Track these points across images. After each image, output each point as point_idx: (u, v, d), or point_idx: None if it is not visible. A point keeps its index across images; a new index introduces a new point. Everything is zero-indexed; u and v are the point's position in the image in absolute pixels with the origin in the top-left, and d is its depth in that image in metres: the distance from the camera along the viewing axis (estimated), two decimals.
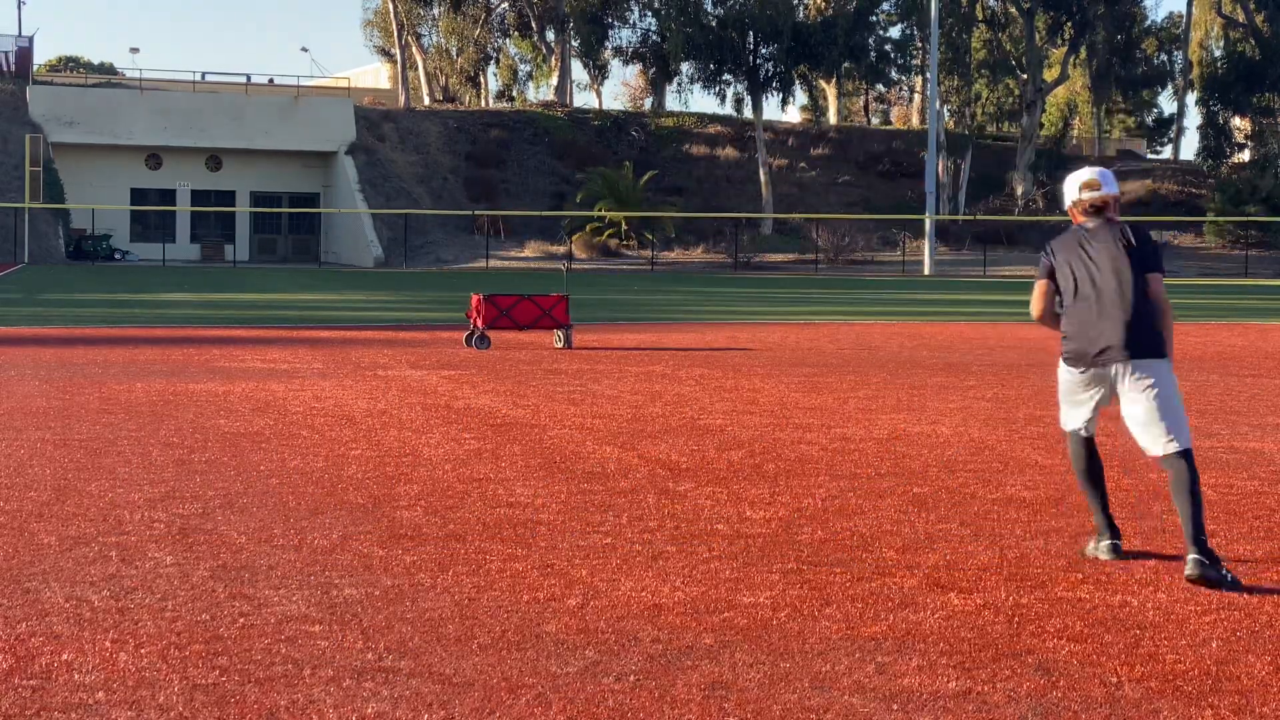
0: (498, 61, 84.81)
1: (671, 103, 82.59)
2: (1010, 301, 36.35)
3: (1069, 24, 74.90)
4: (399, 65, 77.71)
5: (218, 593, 5.85)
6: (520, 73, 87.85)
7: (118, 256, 61.44)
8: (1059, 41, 77.17)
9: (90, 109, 63.83)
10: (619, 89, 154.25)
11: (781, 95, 73.70)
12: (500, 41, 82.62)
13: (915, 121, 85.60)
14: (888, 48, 76.08)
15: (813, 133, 79.37)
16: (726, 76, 71.52)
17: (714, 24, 70.11)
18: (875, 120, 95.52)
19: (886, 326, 25.10)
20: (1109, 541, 6.72)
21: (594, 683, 4.75)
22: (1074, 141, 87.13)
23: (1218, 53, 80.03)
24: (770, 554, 6.69)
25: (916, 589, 6.06)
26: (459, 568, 6.34)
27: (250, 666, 4.87)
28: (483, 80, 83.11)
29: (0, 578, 6.06)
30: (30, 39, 68.13)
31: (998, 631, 5.43)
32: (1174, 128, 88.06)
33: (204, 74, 72.53)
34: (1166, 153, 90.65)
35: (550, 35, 79.39)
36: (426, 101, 79.24)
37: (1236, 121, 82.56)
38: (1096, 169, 7.06)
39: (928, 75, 67.98)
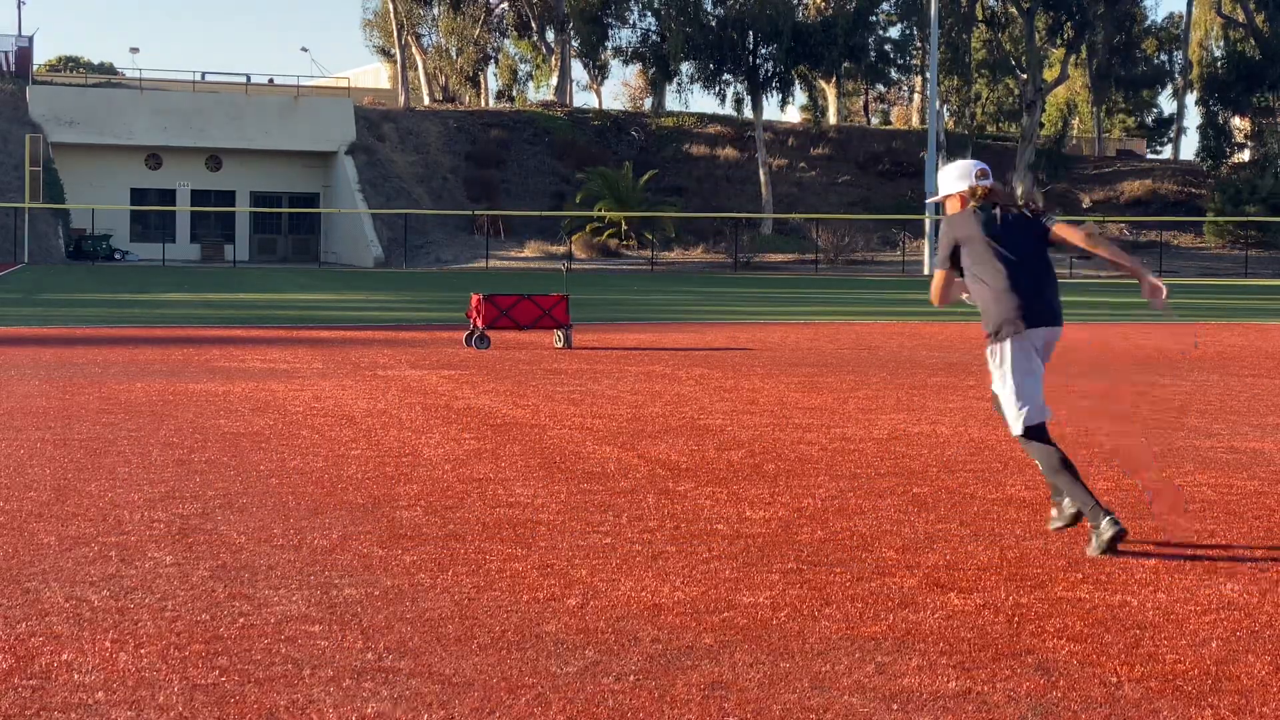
0: (497, 61, 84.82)
1: (671, 103, 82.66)
2: None
3: (1069, 24, 74.91)
4: (399, 65, 77.73)
5: (218, 593, 5.85)
6: (520, 73, 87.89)
7: (118, 256, 61.44)
8: (1059, 41, 77.17)
9: (90, 109, 63.84)
10: (619, 89, 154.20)
11: (781, 95, 73.72)
12: (500, 41, 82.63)
13: (915, 121, 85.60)
14: (887, 48, 76.07)
15: (812, 133, 79.38)
16: (726, 76, 71.53)
17: (714, 24, 70.11)
18: (875, 120, 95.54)
19: (886, 326, 25.10)
20: (1107, 518, 6.73)
21: (594, 683, 4.75)
22: (1074, 141, 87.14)
23: (1218, 53, 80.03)
24: (770, 554, 6.69)
25: (916, 589, 6.06)
26: (459, 568, 6.35)
27: (250, 666, 4.87)
28: (483, 80, 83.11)
29: (0, 578, 6.06)
30: (30, 39, 68.15)
31: (998, 631, 5.43)
32: (1174, 128, 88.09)
33: (204, 74, 72.61)
34: (1166, 153, 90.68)
35: (550, 35, 79.41)
36: (426, 101, 79.24)
37: (1236, 121, 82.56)
38: (973, 160, 7.52)
39: (927, 75, 67.97)
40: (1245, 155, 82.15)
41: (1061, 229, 7.24)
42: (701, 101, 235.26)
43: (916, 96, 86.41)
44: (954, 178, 7.44)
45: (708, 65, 70.60)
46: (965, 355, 18.62)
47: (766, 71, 70.36)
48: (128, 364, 15.81)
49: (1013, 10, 75.60)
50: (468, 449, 9.87)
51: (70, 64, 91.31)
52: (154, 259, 60.39)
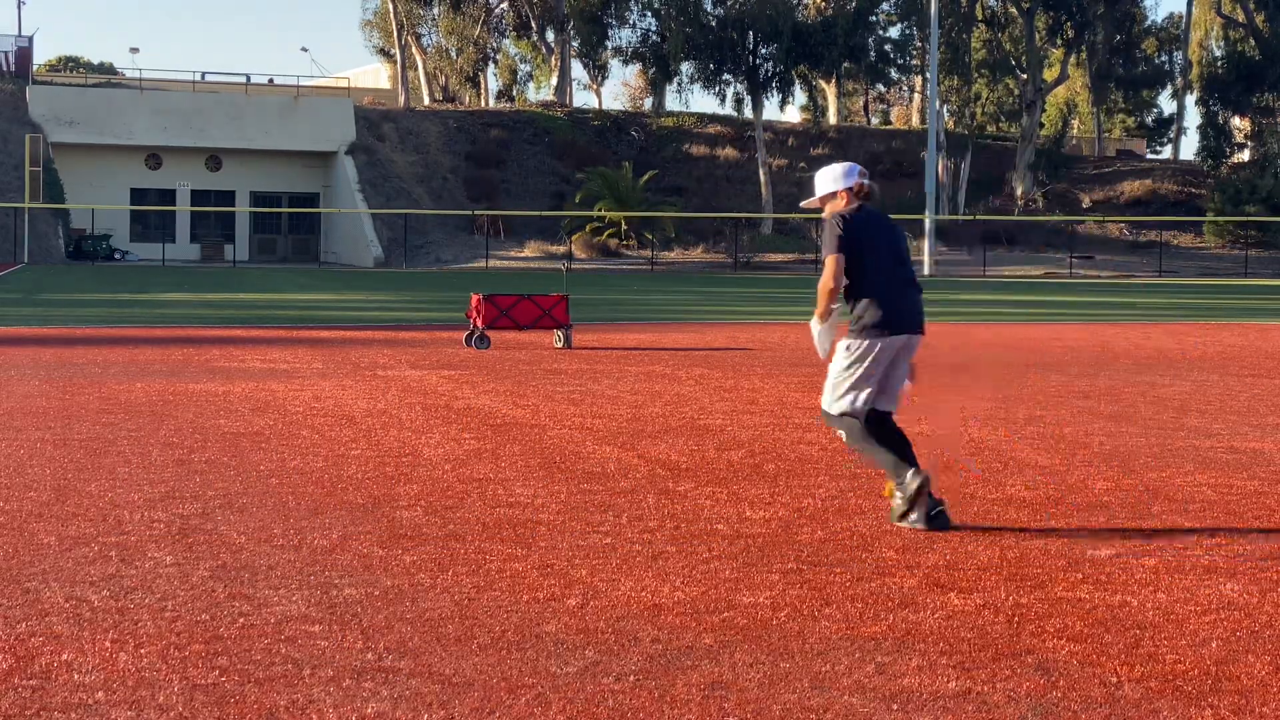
0: (497, 61, 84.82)
1: (671, 103, 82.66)
2: (1010, 301, 36.35)
3: (1069, 24, 74.93)
4: (399, 65, 77.74)
5: (218, 593, 5.85)
6: (520, 73, 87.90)
7: (118, 256, 61.46)
8: (1059, 41, 77.19)
9: (90, 109, 63.85)
10: (619, 89, 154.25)
11: (781, 95, 73.74)
12: (500, 41, 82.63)
13: (915, 121, 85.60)
14: (887, 48, 76.09)
15: (812, 133, 79.39)
16: (726, 76, 71.55)
17: (714, 24, 70.13)
18: (875, 120, 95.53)
19: None
20: (919, 481, 7.18)
21: (594, 683, 4.75)
22: (1074, 141, 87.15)
23: (1218, 53, 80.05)
24: (770, 554, 6.69)
25: (916, 589, 6.06)
26: (459, 568, 6.35)
27: (250, 666, 4.87)
28: (483, 80, 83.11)
29: (0, 578, 6.06)
30: (30, 39, 68.18)
31: (998, 631, 5.43)
32: (1174, 128, 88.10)
33: (204, 74, 72.66)
34: (1166, 153, 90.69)
35: (550, 35, 79.41)
36: (426, 101, 79.25)
37: (1236, 121, 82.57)
38: (850, 163, 7.92)
39: (928, 75, 67.96)
40: (1245, 155, 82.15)
41: None
42: (701, 101, 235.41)
43: (916, 96, 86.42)
44: (839, 175, 7.82)
45: (708, 65, 70.61)
46: (965, 355, 18.63)
47: (766, 71, 70.37)
48: (128, 364, 15.81)
49: (1013, 10, 75.60)
50: (468, 449, 9.87)
51: (70, 64, 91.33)
52: (154, 259, 60.41)
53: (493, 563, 6.45)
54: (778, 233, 69.14)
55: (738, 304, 33.47)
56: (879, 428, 7.43)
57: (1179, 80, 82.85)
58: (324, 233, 67.50)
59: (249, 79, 72.44)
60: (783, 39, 67.98)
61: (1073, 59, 78.76)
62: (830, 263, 7.55)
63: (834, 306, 7.53)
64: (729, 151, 75.20)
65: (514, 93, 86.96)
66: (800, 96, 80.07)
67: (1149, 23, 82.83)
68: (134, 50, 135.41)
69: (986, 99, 79.66)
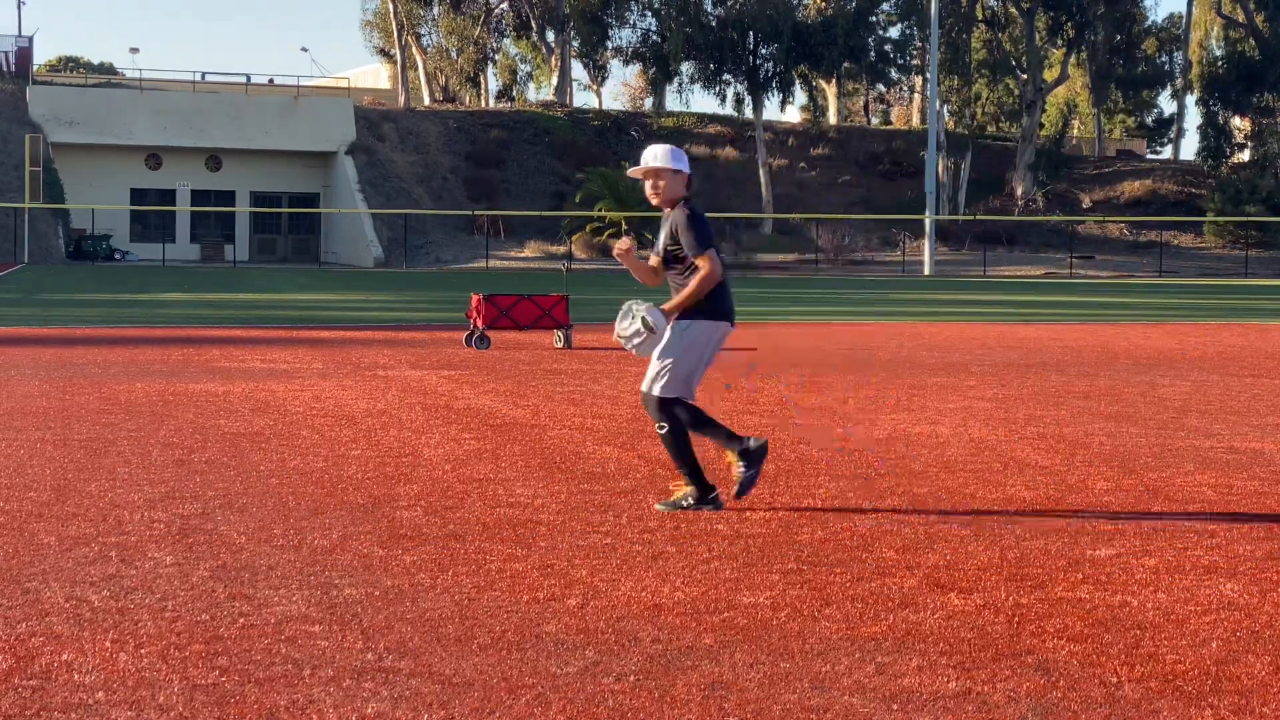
0: (496, 62, 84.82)
1: (671, 103, 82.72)
2: (1010, 301, 36.35)
3: (1069, 24, 74.93)
4: (399, 65, 77.74)
5: (218, 593, 5.85)
6: (520, 73, 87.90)
7: (118, 256, 61.46)
8: (1059, 41, 77.21)
9: (90, 109, 63.86)
10: (619, 89, 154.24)
11: (781, 95, 73.77)
12: (500, 41, 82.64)
13: (915, 121, 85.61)
14: (887, 48, 76.09)
15: (813, 133, 79.39)
16: (726, 76, 71.57)
17: (714, 24, 70.15)
18: (875, 120, 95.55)
19: (886, 326, 25.10)
20: (702, 491, 7.69)
21: (594, 683, 4.75)
22: (1074, 141, 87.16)
23: (1218, 53, 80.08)
24: (770, 554, 6.69)
25: (916, 589, 6.06)
26: (459, 568, 6.34)
27: (250, 666, 4.87)
28: (483, 80, 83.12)
29: (0, 578, 6.06)
30: (30, 39, 68.20)
31: (998, 631, 5.43)
32: (1174, 128, 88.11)
33: (204, 74, 72.68)
34: (1166, 153, 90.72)
35: (550, 35, 79.40)
36: (426, 101, 79.26)
37: (1236, 121, 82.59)
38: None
39: (928, 75, 67.98)
40: (1245, 155, 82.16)
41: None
42: (701, 101, 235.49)
43: (916, 96, 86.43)
44: (684, 158, 7.87)
45: (708, 65, 70.64)
46: (965, 355, 18.63)
47: (766, 71, 70.38)
48: (128, 364, 15.81)
49: (1013, 10, 75.61)
50: (468, 449, 9.87)
51: (70, 64, 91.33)
52: (154, 259, 60.42)
53: (493, 563, 6.45)
54: (778, 233, 69.14)
55: (738, 304, 33.40)
56: (696, 410, 7.92)
57: (1179, 80, 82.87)
58: (324, 233, 67.50)
59: (249, 79, 72.46)
60: (783, 39, 68.00)
61: (1073, 59, 78.76)
62: (712, 258, 7.68)
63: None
64: (729, 151, 75.21)
65: (514, 93, 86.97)
66: (800, 96, 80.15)
67: (1149, 23, 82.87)
68: (134, 50, 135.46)
69: (986, 99, 79.68)
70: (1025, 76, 74.87)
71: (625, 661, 4.98)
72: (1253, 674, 4.95)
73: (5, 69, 66.28)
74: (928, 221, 62.60)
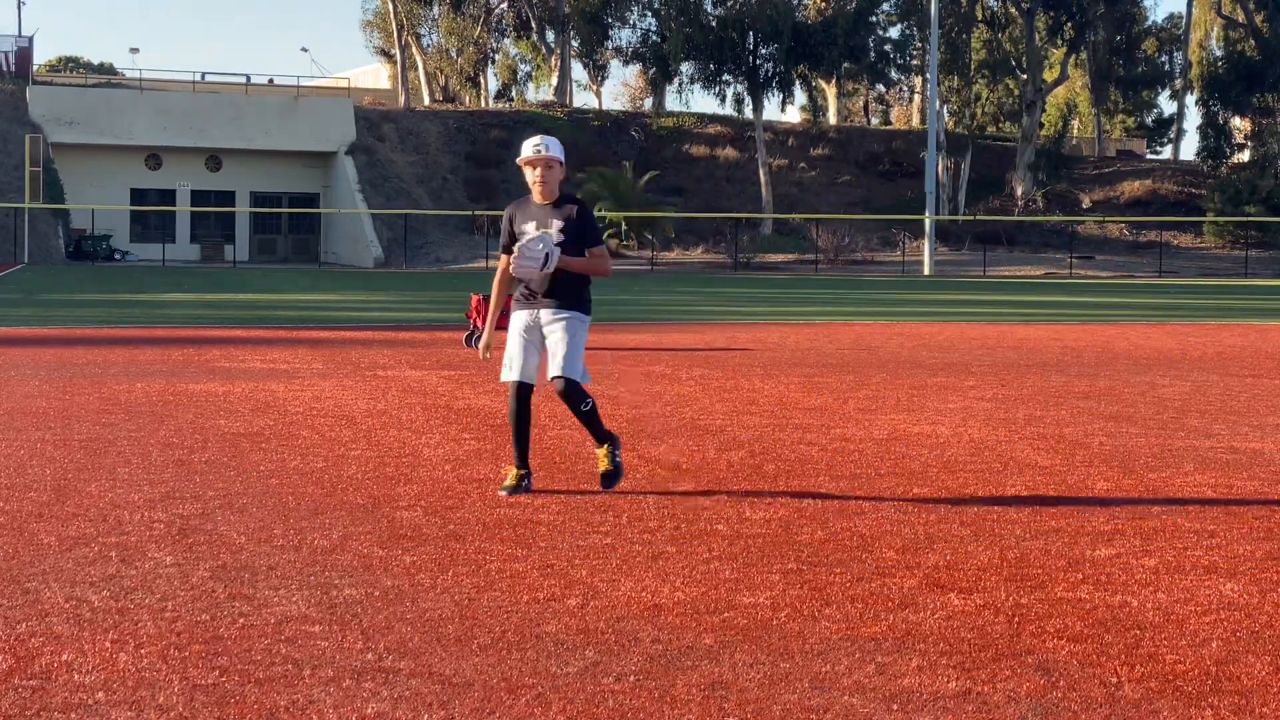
0: (496, 62, 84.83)
1: (671, 103, 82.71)
2: (1010, 301, 36.35)
3: (1069, 24, 74.94)
4: (399, 65, 77.75)
5: (218, 593, 5.85)
6: (520, 73, 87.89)
7: (118, 257, 61.46)
8: (1059, 41, 77.21)
9: (90, 109, 63.85)
10: (619, 89, 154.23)
11: (781, 95, 73.77)
12: (500, 42, 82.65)
13: (915, 121, 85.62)
14: (887, 48, 76.10)
15: (812, 133, 79.39)
16: (726, 76, 71.57)
17: (714, 24, 70.14)
18: (875, 120, 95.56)
19: (886, 326, 25.10)
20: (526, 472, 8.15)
21: (594, 683, 4.75)
22: (1074, 141, 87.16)
23: (1218, 53, 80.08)
24: (770, 554, 6.69)
25: (916, 589, 6.06)
26: (459, 568, 6.35)
27: (250, 667, 4.87)
28: (483, 80, 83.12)
29: (0, 578, 6.06)
30: (30, 39, 68.20)
31: (998, 631, 5.43)
32: (1174, 128, 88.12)
33: (204, 74, 72.66)
34: (1166, 153, 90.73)
35: (550, 35, 79.40)
36: (426, 101, 79.27)
37: (1236, 121, 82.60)
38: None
39: (928, 75, 67.97)
40: (1245, 155, 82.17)
41: None
42: (701, 102, 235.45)
43: (916, 96, 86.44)
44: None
45: (708, 65, 70.63)
46: (965, 355, 18.63)
47: (766, 72, 70.38)
48: (128, 364, 15.81)
49: (1013, 10, 75.62)
50: (468, 449, 9.87)
51: (70, 64, 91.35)
52: (154, 259, 60.42)
53: (493, 563, 6.45)
54: (778, 233, 69.14)
55: (738, 304, 33.47)
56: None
57: (1179, 80, 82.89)
58: (324, 233, 67.50)
59: (249, 79, 72.46)
60: (783, 39, 68.00)
61: (1073, 59, 78.76)
62: (605, 249, 8.27)
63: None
64: (729, 151, 75.20)
65: (514, 93, 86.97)
66: (800, 97, 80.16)
67: (1149, 23, 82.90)
68: (134, 50, 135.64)
69: (986, 99, 79.69)
70: (1025, 76, 74.87)
71: (625, 661, 4.98)
72: (1253, 674, 4.95)
73: (5, 69, 66.28)
74: (927, 221, 62.61)
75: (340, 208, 64.76)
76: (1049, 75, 77.46)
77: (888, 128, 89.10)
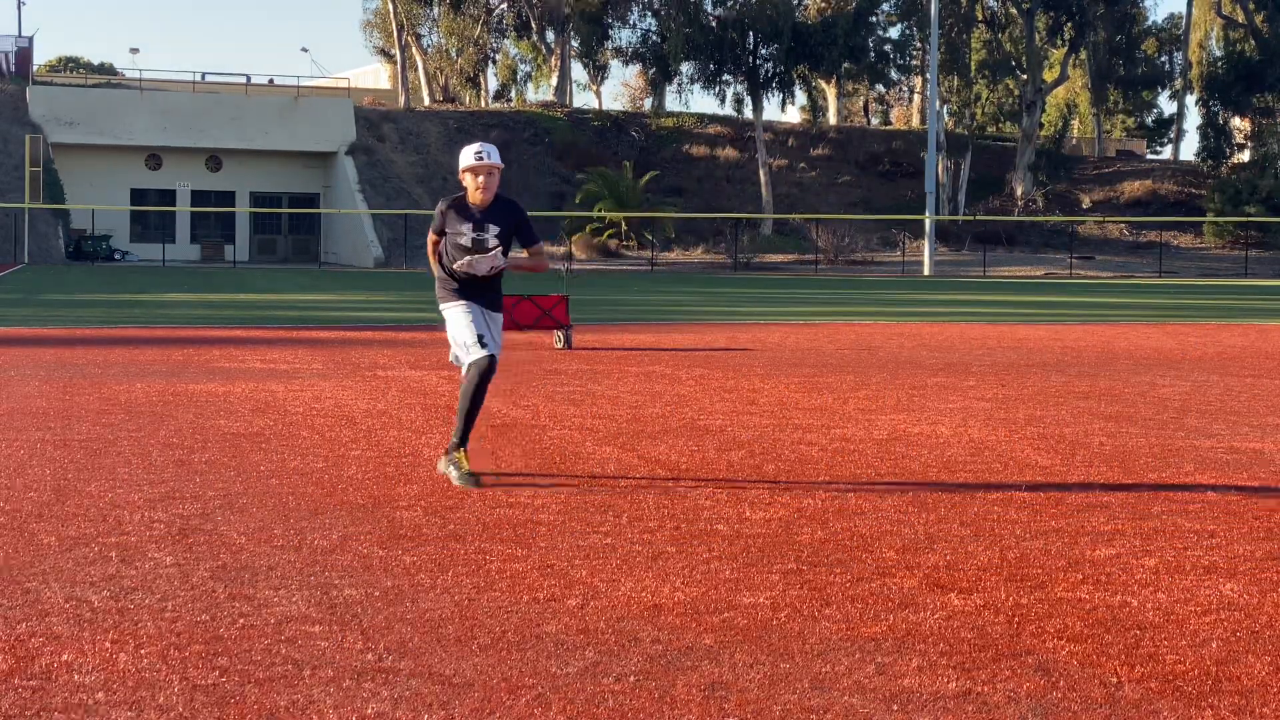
0: (496, 62, 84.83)
1: (671, 103, 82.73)
2: (1010, 301, 36.35)
3: (1069, 24, 74.94)
4: (399, 65, 77.74)
5: (218, 593, 5.85)
6: (520, 73, 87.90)
7: (118, 257, 61.46)
8: (1059, 42, 77.21)
9: (90, 109, 63.86)
10: (619, 89, 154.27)
11: (781, 95, 73.75)
12: (500, 42, 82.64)
13: (915, 122, 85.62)
14: (887, 48, 76.11)
15: (812, 133, 79.39)
16: (726, 77, 71.58)
17: (714, 24, 70.14)
18: (875, 120, 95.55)
19: (886, 326, 25.10)
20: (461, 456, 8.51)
21: (594, 683, 4.75)
22: (1074, 142, 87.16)
23: (1218, 53, 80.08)
24: (770, 554, 6.69)
25: (916, 589, 6.06)
26: (459, 568, 6.34)
27: (250, 667, 4.87)
28: (483, 80, 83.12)
29: (0, 578, 6.06)
30: (30, 39, 68.20)
31: (998, 631, 5.43)
32: (1174, 128, 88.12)
33: (204, 74, 72.65)
34: (1166, 153, 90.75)
35: (550, 35, 79.40)
36: (426, 102, 79.26)
37: (1236, 122, 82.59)
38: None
39: (928, 75, 67.97)
40: (1245, 155, 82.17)
41: None
42: (701, 102, 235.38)
43: (916, 97, 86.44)
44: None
45: (708, 65, 70.64)
46: (965, 355, 18.63)
47: (766, 72, 70.38)
48: (128, 364, 15.81)
49: (1013, 10, 75.62)
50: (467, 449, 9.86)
51: (70, 64, 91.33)
52: (154, 259, 60.42)
53: (493, 563, 6.45)
54: (778, 233, 69.14)
55: (738, 304, 33.47)
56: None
57: (1179, 81, 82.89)
58: (324, 233, 67.49)
59: (249, 79, 72.47)
60: (783, 39, 68.00)
61: (1073, 59, 78.77)
62: (542, 247, 8.86)
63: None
64: (729, 152, 75.19)
65: (513, 93, 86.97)
66: (800, 97, 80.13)
67: (1149, 23, 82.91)
68: (134, 50, 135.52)
69: (986, 99, 79.69)
70: (1025, 77, 74.87)
71: (625, 661, 4.98)
72: (1253, 674, 4.95)
73: (5, 69, 66.28)
74: (927, 222, 62.61)
75: (340, 208, 64.76)
76: (1049, 75, 77.46)
77: (888, 128, 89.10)
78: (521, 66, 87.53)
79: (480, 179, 8.47)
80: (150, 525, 7.16)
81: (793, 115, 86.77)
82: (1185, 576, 6.35)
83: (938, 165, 66.57)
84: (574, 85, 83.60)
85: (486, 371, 8.40)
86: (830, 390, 14.12)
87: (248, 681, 4.72)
